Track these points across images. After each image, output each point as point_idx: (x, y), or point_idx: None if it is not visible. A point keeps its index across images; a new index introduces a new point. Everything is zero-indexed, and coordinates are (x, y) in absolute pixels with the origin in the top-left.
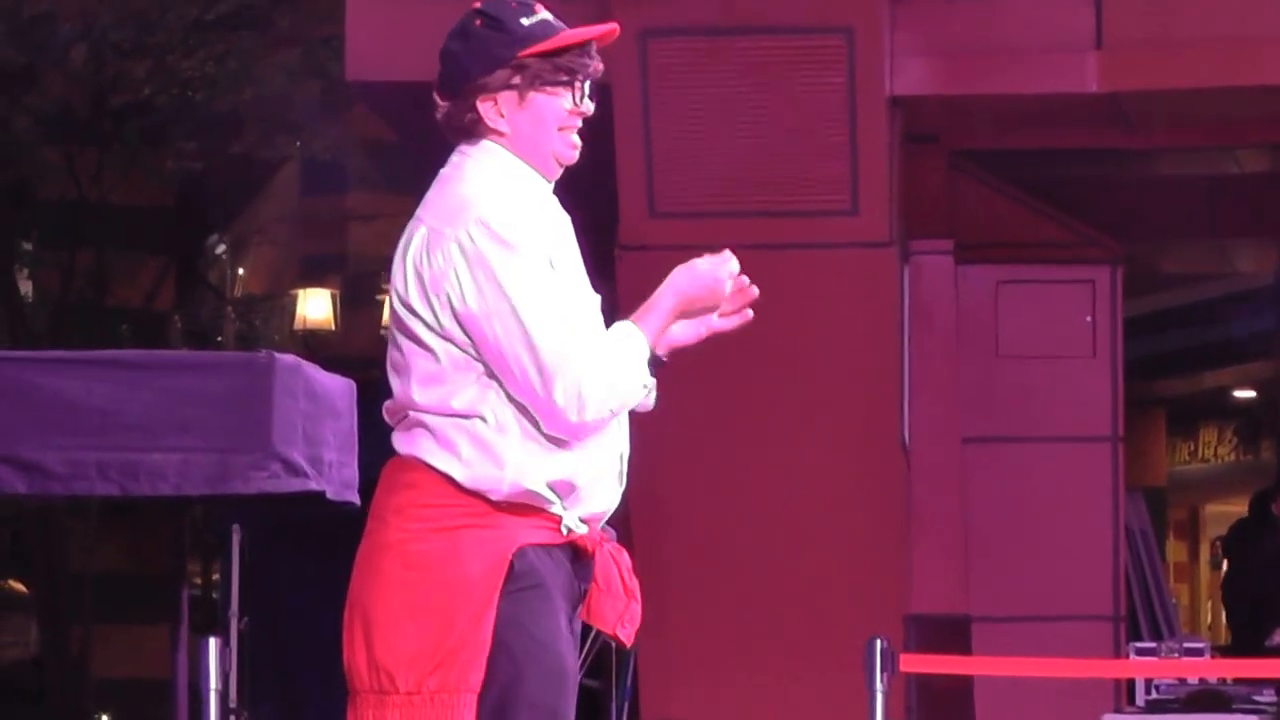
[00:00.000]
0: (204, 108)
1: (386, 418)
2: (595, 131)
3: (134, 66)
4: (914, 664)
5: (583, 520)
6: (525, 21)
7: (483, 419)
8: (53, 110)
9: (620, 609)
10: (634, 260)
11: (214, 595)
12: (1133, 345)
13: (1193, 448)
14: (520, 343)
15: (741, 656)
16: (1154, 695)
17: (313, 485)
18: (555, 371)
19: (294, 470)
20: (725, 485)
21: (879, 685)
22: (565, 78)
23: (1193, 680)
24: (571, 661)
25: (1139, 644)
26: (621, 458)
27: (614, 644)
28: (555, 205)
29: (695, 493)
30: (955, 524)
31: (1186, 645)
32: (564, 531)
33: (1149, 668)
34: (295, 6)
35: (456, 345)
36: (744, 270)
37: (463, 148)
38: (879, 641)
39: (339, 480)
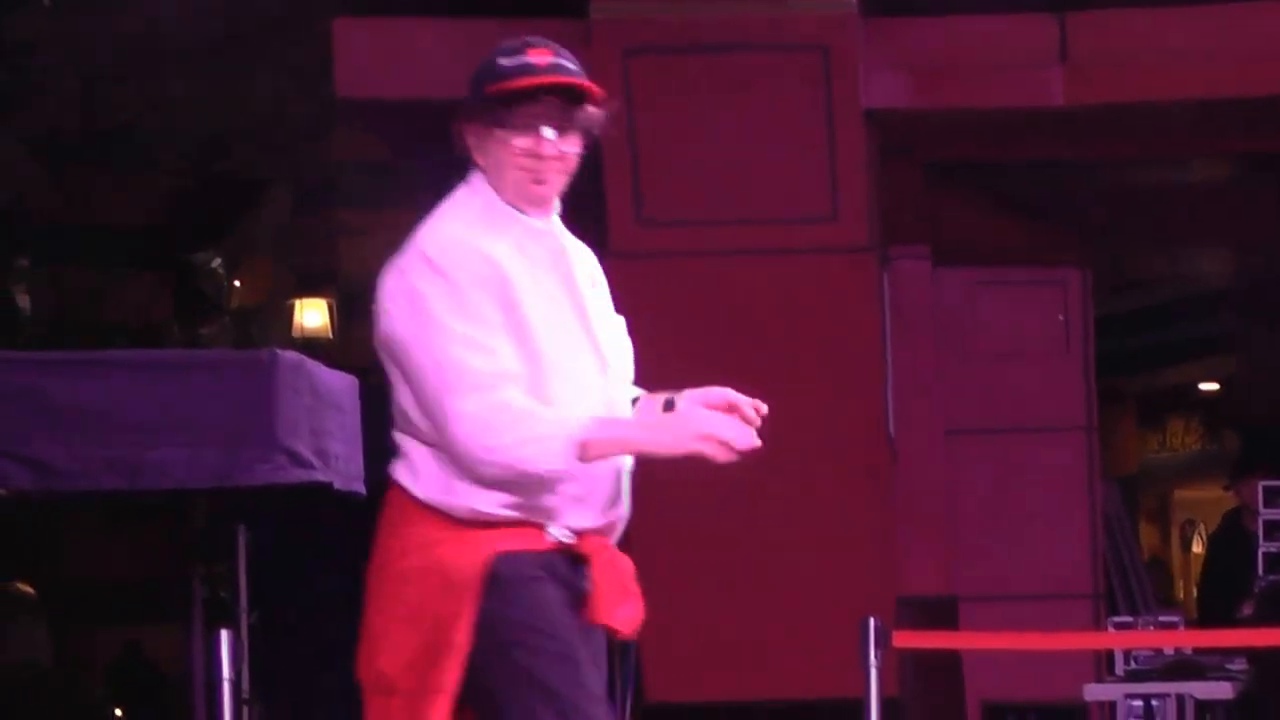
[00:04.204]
0: (192, 129)
1: None
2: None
3: (122, 89)
4: (906, 640)
5: (574, 531)
6: (505, 61)
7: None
8: (41, 133)
9: (615, 602)
10: (623, 267)
11: (221, 595)
12: (1103, 343)
13: (1161, 438)
14: (432, 377)
15: (741, 640)
16: (1132, 666)
17: (319, 476)
18: (458, 415)
19: (300, 462)
20: (724, 479)
21: (873, 661)
22: (519, 121)
23: (1168, 651)
24: (576, 644)
25: (1117, 619)
26: (620, 474)
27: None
28: (545, 237)
29: (695, 487)
30: (941, 511)
31: (1161, 619)
32: (548, 539)
33: (1127, 639)
34: (283, 29)
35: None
36: (730, 272)
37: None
38: (872, 620)
39: (345, 472)
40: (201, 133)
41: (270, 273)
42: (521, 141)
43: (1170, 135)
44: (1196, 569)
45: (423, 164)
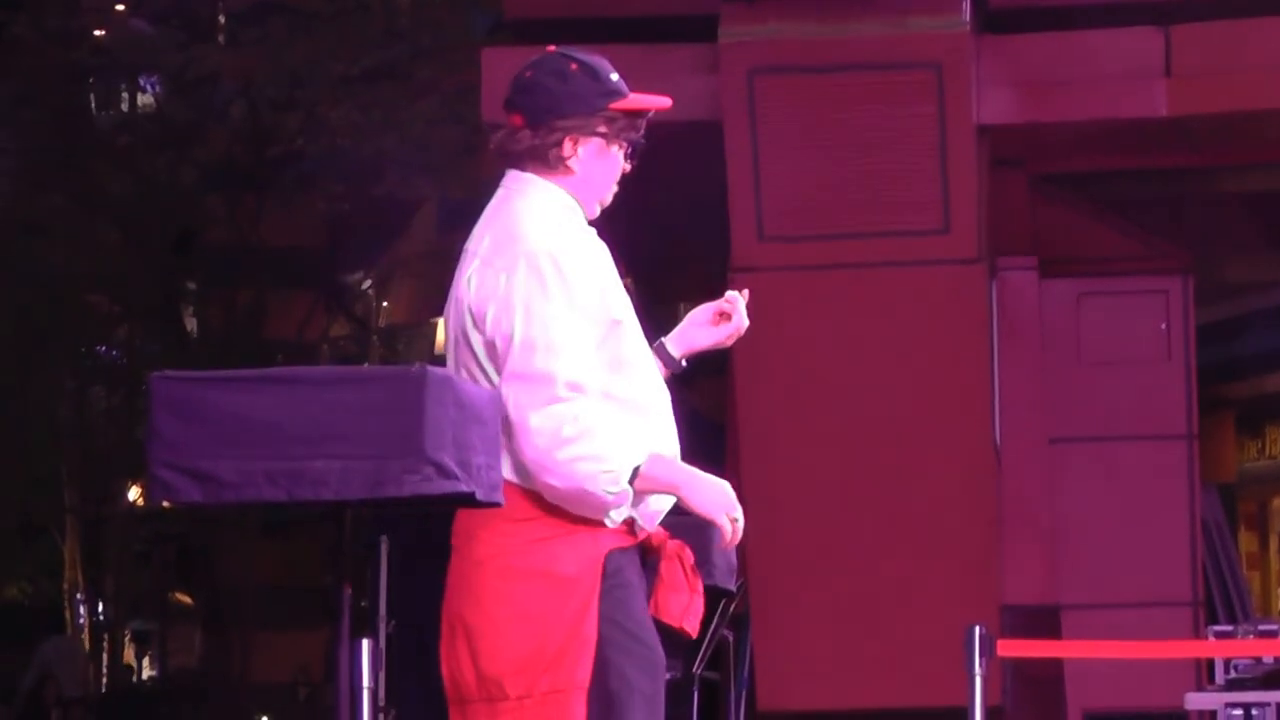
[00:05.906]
0: (351, 154)
1: None
2: (707, 163)
3: (287, 119)
4: (1010, 649)
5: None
6: (614, 77)
7: None
8: (215, 162)
9: (685, 603)
10: (745, 281)
11: (363, 603)
12: (1202, 351)
13: (1260, 446)
14: (538, 368)
15: (850, 647)
16: (1233, 674)
17: (462, 487)
18: (549, 413)
19: (445, 473)
20: (833, 488)
21: (978, 669)
22: (636, 138)
23: (1268, 659)
24: (661, 650)
25: (1217, 627)
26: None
27: (730, 638)
28: (596, 237)
29: (805, 496)
30: (1044, 519)
31: (1261, 627)
32: (635, 533)
33: (1229, 647)
34: (434, 59)
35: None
36: (846, 285)
37: (507, 183)
38: (977, 628)
39: (487, 482)
40: (359, 158)
41: (415, 292)
42: (625, 158)
43: (1268, 141)
44: None
45: None
